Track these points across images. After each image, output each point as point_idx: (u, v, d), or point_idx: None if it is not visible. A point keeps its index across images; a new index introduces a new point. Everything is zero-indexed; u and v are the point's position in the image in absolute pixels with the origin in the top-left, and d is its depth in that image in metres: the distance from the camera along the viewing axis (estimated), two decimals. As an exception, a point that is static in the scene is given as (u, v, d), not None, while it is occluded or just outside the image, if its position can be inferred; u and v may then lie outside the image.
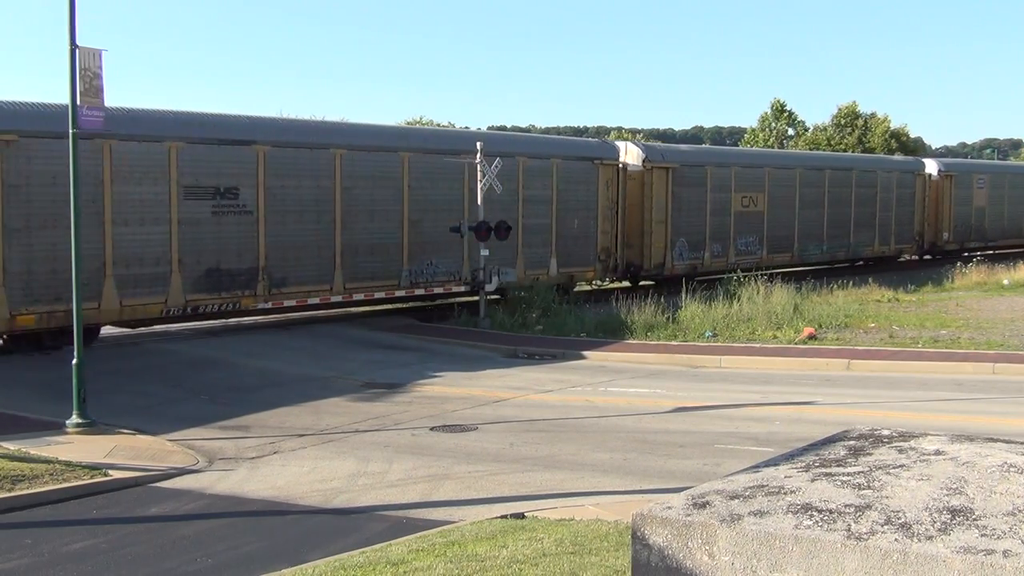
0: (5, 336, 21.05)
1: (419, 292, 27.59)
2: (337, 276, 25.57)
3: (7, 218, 19.88)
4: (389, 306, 27.42)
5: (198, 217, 22.84)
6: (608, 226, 32.53)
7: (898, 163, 49.13)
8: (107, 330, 23.28)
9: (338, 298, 25.82)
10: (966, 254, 46.66)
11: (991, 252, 49.15)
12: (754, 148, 59.81)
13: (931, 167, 48.95)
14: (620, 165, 33.12)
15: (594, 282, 33.49)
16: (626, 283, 34.47)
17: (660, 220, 34.15)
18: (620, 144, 34.93)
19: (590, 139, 41.12)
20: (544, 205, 30.58)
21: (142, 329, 24.00)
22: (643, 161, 33.82)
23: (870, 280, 34.39)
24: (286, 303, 24.83)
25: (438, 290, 28.02)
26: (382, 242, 26.27)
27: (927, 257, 48.37)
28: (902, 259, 47.61)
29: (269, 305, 24.50)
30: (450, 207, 27.67)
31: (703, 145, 56.70)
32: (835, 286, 32.94)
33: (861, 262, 44.46)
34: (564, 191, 31.12)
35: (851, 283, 33.69)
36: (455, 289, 28.18)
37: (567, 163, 31.26)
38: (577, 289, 32.32)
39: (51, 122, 19.87)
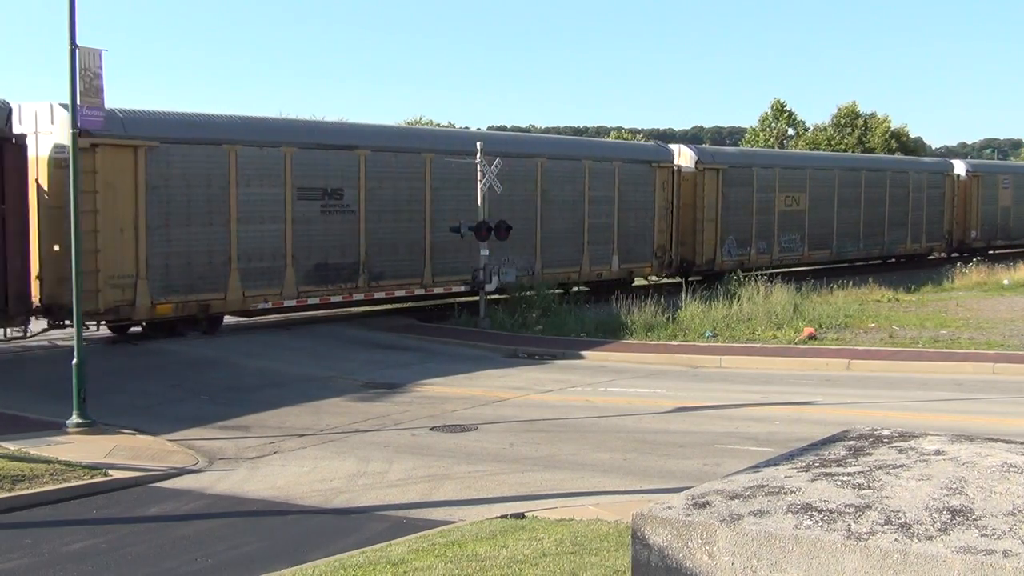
0: (144, 323, 22.96)
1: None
2: (426, 271, 27.70)
3: (149, 217, 22.06)
4: (464, 299, 28.85)
5: (309, 216, 24.89)
6: (664, 225, 34.59)
7: (928, 164, 51.20)
8: (105, 331, 23.32)
9: (422, 291, 27.87)
10: (991, 252, 48.82)
11: (1017, 249, 51.41)
12: (796, 151, 61.46)
13: (959, 168, 50.88)
14: (675, 167, 35.16)
15: (650, 277, 35.08)
16: (678, 278, 36.05)
17: (711, 219, 36.21)
18: (674, 147, 36.73)
19: (648, 143, 43.60)
20: (607, 205, 32.49)
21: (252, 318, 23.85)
22: (695, 163, 35.90)
23: (870, 280, 34.41)
24: (382, 295, 27.01)
25: (524, 281, 30.19)
26: (464, 239, 27.40)
27: (954, 255, 49.50)
28: (931, 256, 49.14)
29: (363, 297, 26.68)
30: (519, 206, 29.75)
31: (752, 148, 59.52)
32: (835, 286, 32.96)
33: (893, 259, 46.35)
34: (624, 192, 33.03)
35: (851, 283, 33.70)
36: (525, 283, 30.19)
37: (627, 166, 33.20)
38: (636, 283, 34.10)
39: (186, 129, 22.74)
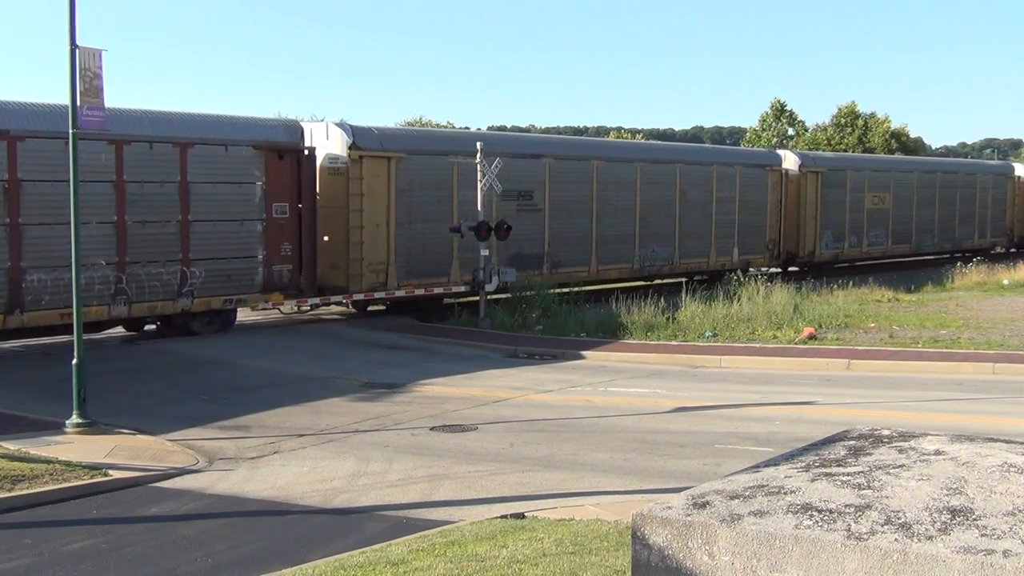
0: (389, 302, 27.85)
1: (645, 273, 34.86)
2: (593, 260, 32.68)
3: (397, 215, 27.01)
4: (624, 284, 32.92)
5: (507, 214, 29.07)
6: (774, 221, 39.51)
7: (992, 167, 57.31)
8: (117, 329, 23.31)
9: (588, 276, 32.56)
10: None
11: None
12: (881, 155, 65.88)
13: (1020, 170, 56.74)
14: (783, 171, 40.18)
15: (762, 268, 38.65)
16: (779, 268, 40.58)
17: (811, 216, 41.25)
18: (781, 152, 42.51)
19: (762, 150, 50.49)
20: (730, 204, 37.35)
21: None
22: (799, 167, 40.95)
23: (870, 280, 34.42)
24: (561, 281, 31.08)
25: (665, 269, 35.48)
26: (622, 232, 33.24)
27: (1013, 249, 54.20)
28: (995, 251, 52.74)
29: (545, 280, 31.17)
30: (663, 206, 34.98)
31: (846, 153, 65.06)
32: (835, 286, 32.97)
33: (960, 253, 49.71)
34: (743, 193, 37.92)
35: (851, 283, 33.72)
36: (666, 271, 35.66)
37: (746, 170, 38.33)
38: (751, 271, 37.33)
39: (422, 143, 28.38)
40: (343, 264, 26.16)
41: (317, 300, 26.13)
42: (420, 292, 27.66)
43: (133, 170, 22.10)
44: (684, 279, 35.32)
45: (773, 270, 38.69)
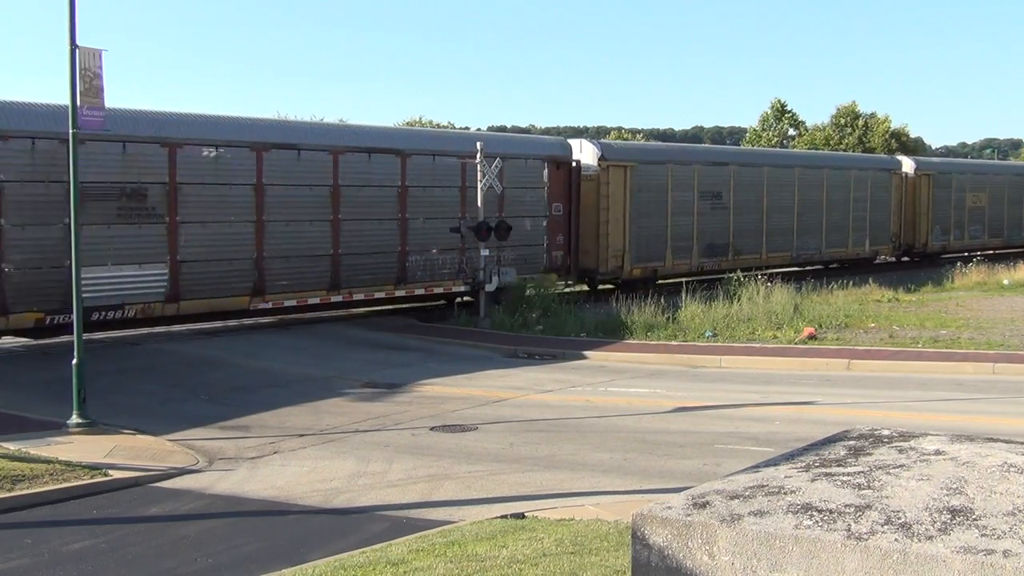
0: (622, 282, 32.93)
1: (800, 261, 41.61)
2: (763, 249, 39.09)
3: (631, 212, 33.22)
4: (781, 270, 38.06)
5: (703, 211, 36.10)
6: (895, 217, 46.39)
7: None
8: (117, 329, 23.31)
9: (759, 262, 37.79)
10: None
11: None
12: (979, 160, 70.98)
13: None
14: (903, 174, 47.07)
15: (887, 257, 47.00)
16: (897, 258, 48.07)
17: (924, 212, 47.94)
18: (900, 158, 50.11)
19: (885, 156, 56.26)
20: (863, 203, 44.01)
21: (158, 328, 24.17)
22: (915, 170, 47.83)
23: (870, 280, 34.43)
24: (742, 266, 35.29)
25: (815, 257, 42.16)
26: (784, 226, 40.11)
27: None
28: None
29: (731, 266, 35.91)
30: (814, 205, 41.51)
31: (954, 158, 72.64)
32: (835, 286, 32.98)
33: None
34: (874, 193, 44.71)
35: (851, 283, 33.73)
36: (816, 259, 42.31)
37: (876, 173, 45.44)
38: (877, 261, 45.96)
39: (647, 155, 35.49)
40: (593, 251, 32.71)
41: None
42: (639, 274, 33.99)
43: (473, 179, 27.84)
44: (820, 267, 42.69)
45: (890, 259, 47.42)
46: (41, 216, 20.48)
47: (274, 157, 24.41)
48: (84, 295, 17.13)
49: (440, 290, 28.28)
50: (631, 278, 32.99)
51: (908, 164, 47.99)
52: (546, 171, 30.86)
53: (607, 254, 32.74)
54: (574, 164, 31.78)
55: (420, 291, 27.93)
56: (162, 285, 22.44)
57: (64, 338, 19.83)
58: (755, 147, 62.65)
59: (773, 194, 39.21)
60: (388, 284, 27.19)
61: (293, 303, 25.21)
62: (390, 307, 28.47)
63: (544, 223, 30.99)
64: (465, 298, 28.95)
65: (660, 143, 51.32)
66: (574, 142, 33.01)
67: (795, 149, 69.54)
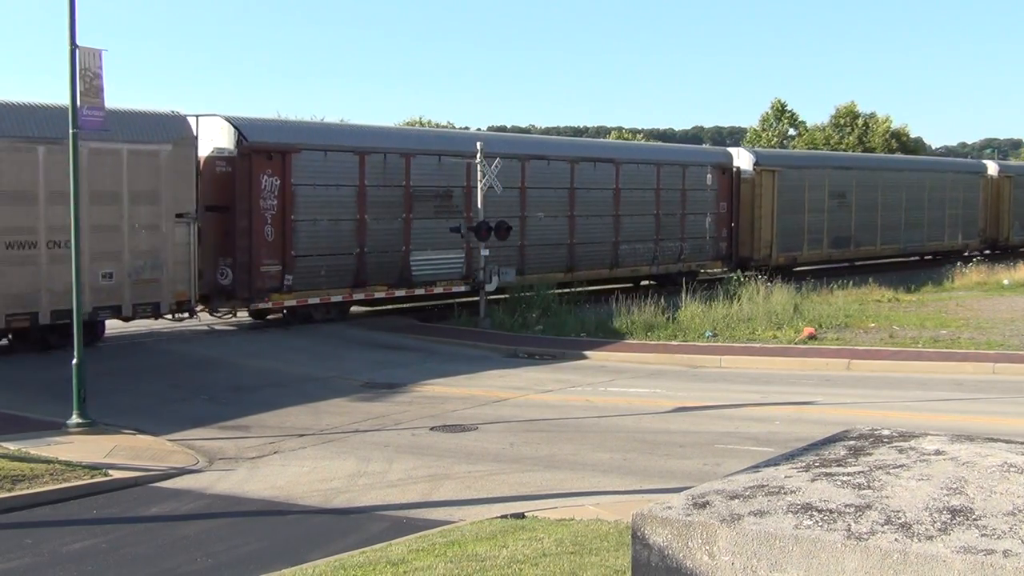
0: (769, 269, 36.57)
1: (907, 252, 48.03)
2: (878, 241, 45.51)
3: (778, 210, 39.61)
4: (886, 260, 45.91)
5: (832, 209, 42.61)
6: (982, 214, 52.85)
7: None
8: (117, 328, 23.33)
9: (874, 252, 45.41)
10: None
11: None
12: None
13: None
14: (988, 176, 53.72)
15: (975, 251, 52.23)
16: (982, 251, 53.26)
17: (1005, 210, 54.41)
18: (986, 162, 57.93)
19: (972, 160, 64.39)
20: (956, 203, 50.02)
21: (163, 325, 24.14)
22: (998, 172, 54.71)
23: (870, 280, 34.44)
24: (860, 256, 44.72)
25: (919, 249, 48.86)
26: (895, 222, 46.13)
27: None
28: None
29: (851, 255, 44.33)
30: (917, 204, 47.49)
31: None
32: (835, 286, 32.98)
33: None
34: (965, 192, 50.98)
35: (851, 283, 33.73)
36: (919, 251, 49.06)
37: (967, 176, 52.07)
38: (965, 254, 50.38)
39: (788, 161, 42.70)
40: (748, 242, 38.93)
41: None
42: (783, 261, 40.39)
43: (664, 182, 35.70)
44: (919, 257, 49.16)
45: (975, 252, 52.20)
46: (387, 212, 27.11)
47: (532, 166, 30.94)
48: (414, 272, 27.54)
49: (643, 271, 35.57)
50: (777, 264, 38.94)
51: (992, 167, 55.20)
52: (710, 175, 37.51)
53: (759, 244, 39.25)
54: (735, 169, 38.51)
55: (626, 273, 34.81)
56: (460, 266, 28.97)
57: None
58: (878, 155, 67.81)
59: (887, 195, 45.71)
60: (604, 267, 33.71)
61: (539, 279, 30.74)
62: (608, 286, 33.24)
63: (713, 219, 37.63)
64: (648, 281, 35.67)
65: (800, 151, 59.15)
66: (733, 151, 40.69)
67: (878, 153, 71.91)
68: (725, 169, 38.14)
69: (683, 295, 28.23)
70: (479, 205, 26.94)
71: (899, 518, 3.85)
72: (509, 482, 12.67)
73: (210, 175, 24.15)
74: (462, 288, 28.82)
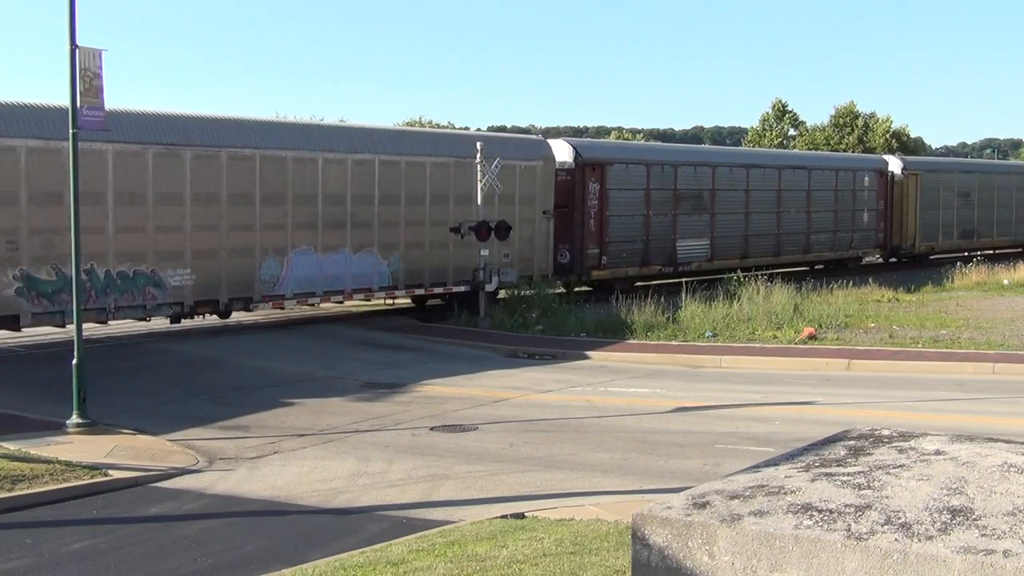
0: (910, 256, 47.09)
1: (1017, 243, 53.20)
2: (994, 232, 51.62)
3: (919, 206, 46.72)
4: (1001, 251, 50.62)
5: (959, 206, 49.30)
6: None
7: None
8: (120, 329, 23.32)
9: (990, 243, 51.20)
10: None
11: None
12: None
13: None
14: None
15: None
16: None
17: None
18: None
19: None
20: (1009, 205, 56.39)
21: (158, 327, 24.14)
22: None
23: (870, 280, 34.44)
24: (971, 249, 48.28)
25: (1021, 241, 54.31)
26: (1008, 218, 52.94)
27: None
28: None
29: (966, 245, 49.67)
30: (1008, 206, 53.35)
31: None
32: (835, 286, 32.97)
33: None
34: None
35: (851, 283, 33.73)
36: (1005, 243, 53.24)
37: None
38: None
39: (933, 165, 51.40)
40: (898, 234, 46.30)
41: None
42: (924, 250, 47.54)
43: (840, 184, 43.78)
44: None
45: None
46: (662, 209, 35.32)
47: (754, 172, 39.31)
48: (679, 256, 35.85)
49: (825, 257, 43.13)
50: (918, 252, 47.17)
51: None
52: (868, 178, 45.03)
53: (906, 235, 46.74)
54: (889, 174, 45.96)
55: (813, 258, 42.63)
56: (706, 251, 36.98)
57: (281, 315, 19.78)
58: (994, 161, 75.18)
59: (1001, 195, 52.56)
60: (799, 253, 41.64)
61: (755, 263, 37.43)
62: (802, 268, 41.43)
63: (872, 215, 44.93)
64: (818, 266, 43.08)
65: (939, 158, 70.05)
66: (887, 157, 48.76)
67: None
68: (881, 173, 45.83)
69: (683, 295, 28.23)
70: (478, 203, 26.93)
71: (899, 518, 3.85)
72: (509, 482, 12.67)
73: (555, 182, 31.75)
74: (712, 266, 36.66)
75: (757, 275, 30.38)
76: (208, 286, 23.20)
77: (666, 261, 35.50)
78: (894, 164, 46.92)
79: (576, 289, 33.09)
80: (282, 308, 25.67)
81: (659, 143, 56.74)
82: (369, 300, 27.93)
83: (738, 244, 38.53)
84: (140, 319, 23.04)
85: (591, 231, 32.50)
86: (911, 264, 46.16)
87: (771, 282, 29.54)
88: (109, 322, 22.64)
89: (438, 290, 28.52)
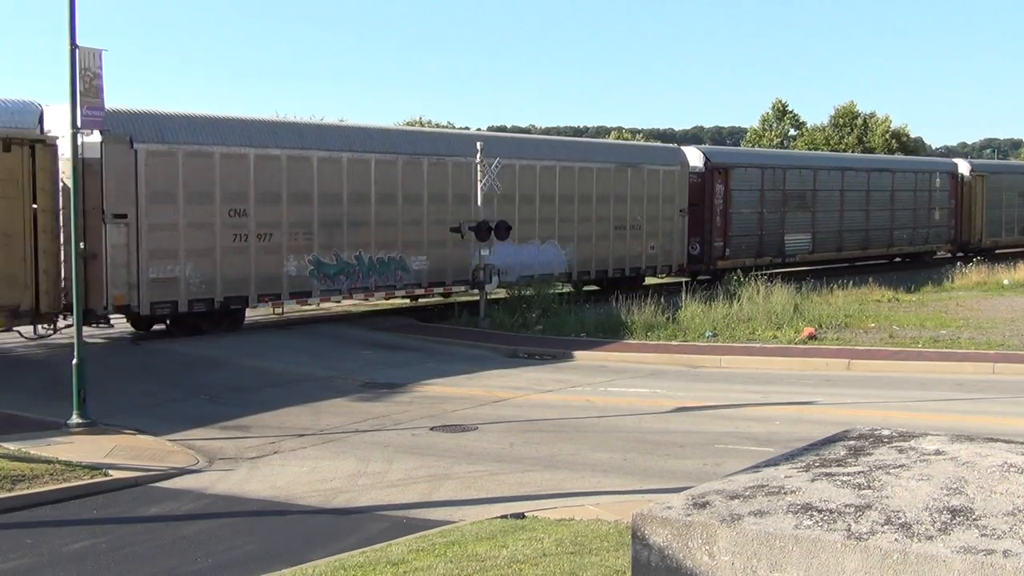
0: (979, 250, 48.97)
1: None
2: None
3: (985, 205, 51.29)
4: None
5: (1020, 204, 53.61)
6: None
7: None
8: (121, 330, 23.31)
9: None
10: None
11: None
12: None
13: None
14: None
15: None
16: None
17: None
18: None
19: None
20: None
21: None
22: None
23: (870, 280, 34.44)
24: (998, 248, 52.67)
25: None
26: None
27: None
28: None
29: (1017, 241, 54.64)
30: None
31: None
32: (835, 286, 32.98)
33: None
34: None
35: (851, 283, 33.73)
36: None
37: None
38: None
39: (1000, 168, 57.93)
40: (967, 230, 50.49)
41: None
42: (990, 244, 51.38)
43: (918, 185, 48.71)
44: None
45: None
46: (773, 208, 40.50)
47: (848, 175, 44.53)
48: (787, 248, 41.00)
49: (905, 250, 48.24)
50: (984, 247, 50.33)
51: None
52: (939, 180, 49.28)
53: (974, 232, 51.10)
54: (960, 176, 50.39)
55: (895, 251, 47.80)
56: (808, 244, 42.30)
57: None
58: None
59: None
60: (883, 246, 46.74)
61: (848, 255, 44.77)
62: (884, 260, 46.94)
63: (944, 213, 49.41)
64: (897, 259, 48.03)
65: (1002, 161, 74.75)
66: (957, 160, 53.82)
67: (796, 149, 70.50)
68: (952, 175, 50.18)
69: (683, 295, 28.24)
70: (478, 204, 26.94)
71: (899, 518, 3.85)
72: (509, 482, 12.67)
73: (689, 184, 36.83)
74: (813, 257, 42.09)
75: (851, 266, 39.40)
76: (438, 270, 28.62)
77: (776, 253, 40.70)
78: (963, 167, 51.92)
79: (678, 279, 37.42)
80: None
81: (771, 150, 60.49)
82: (549, 283, 31.42)
83: (834, 239, 43.90)
84: (388, 296, 28.48)
85: (717, 226, 37.92)
86: (982, 259, 44.77)
87: (860, 275, 34.74)
88: (369, 299, 28.14)
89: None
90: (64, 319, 21.32)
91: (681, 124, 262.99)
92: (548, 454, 14.12)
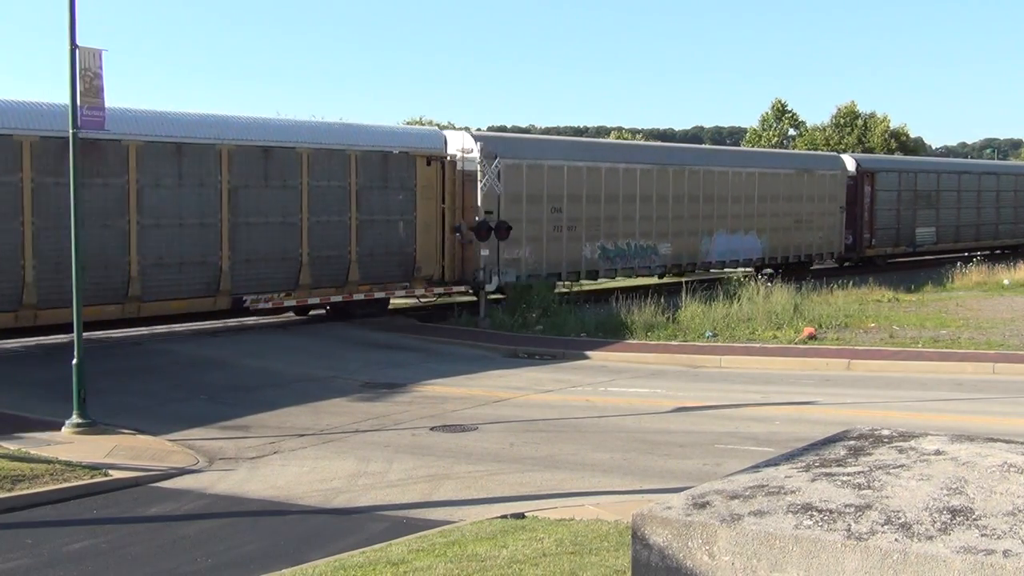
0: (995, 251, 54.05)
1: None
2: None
3: (997, 205, 55.63)
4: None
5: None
6: None
7: None
8: (123, 331, 23.33)
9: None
10: None
11: None
12: None
13: None
14: None
15: None
16: None
17: None
18: None
19: None
20: None
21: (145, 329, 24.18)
22: None
23: (870, 280, 34.45)
24: (1001, 248, 54.83)
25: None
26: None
27: None
28: None
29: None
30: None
31: None
32: (835, 286, 32.98)
33: None
34: None
35: (851, 283, 33.73)
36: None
37: None
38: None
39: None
40: (988, 229, 53.65)
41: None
42: (999, 244, 54.10)
43: (1018, 185, 56.29)
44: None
45: None
46: (908, 205, 47.55)
47: (964, 177, 50.99)
48: (917, 240, 47.91)
49: (1007, 243, 53.83)
50: (1003, 245, 54.38)
51: None
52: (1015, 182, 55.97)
53: (989, 228, 54.27)
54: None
55: (998, 244, 53.14)
56: (933, 236, 49.25)
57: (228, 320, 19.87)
58: None
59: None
60: (990, 239, 52.71)
61: (964, 246, 50.97)
62: (988, 252, 49.80)
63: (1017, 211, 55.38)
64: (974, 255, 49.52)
65: None
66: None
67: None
68: None
69: (683, 295, 28.25)
70: (479, 204, 26.96)
71: (899, 518, 3.85)
72: (509, 482, 12.67)
73: (845, 186, 43.93)
74: (936, 248, 48.52)
75: (966, 255, 45.02)
76: (679, 255, 36.07)
77: (908, 243, 47.85)
78: None
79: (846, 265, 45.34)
80: (707, 272, 38.23)
81: (907, 157, 65.04)
82: (747, 268, 38.08)
83: (952, 232, 51.09)
84: (644, 275, 35.42)
85: (865, 221, 45.10)
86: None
87: (970, 263, 39.63)
88: (633, 276, 34.96)
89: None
90: (449, 289, 28.53)
91: (681, 124, 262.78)
92: (548, 454, 14.12)
